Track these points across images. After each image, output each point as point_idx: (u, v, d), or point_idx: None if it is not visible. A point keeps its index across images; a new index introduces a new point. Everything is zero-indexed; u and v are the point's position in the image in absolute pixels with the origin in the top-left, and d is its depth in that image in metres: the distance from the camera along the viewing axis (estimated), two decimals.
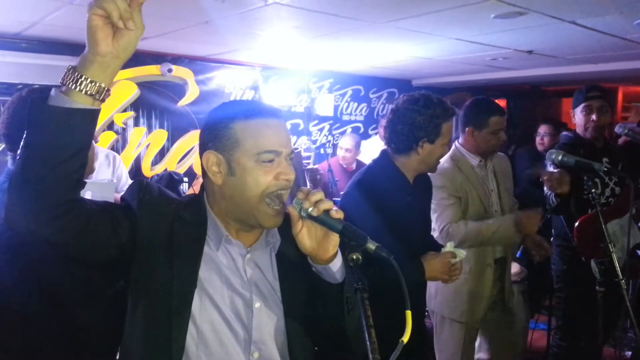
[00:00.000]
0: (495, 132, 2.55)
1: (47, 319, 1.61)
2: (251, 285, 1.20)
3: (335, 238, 1.12)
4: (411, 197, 2.12)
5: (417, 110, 2.05)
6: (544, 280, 3.51)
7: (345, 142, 5.00)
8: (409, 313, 0.95)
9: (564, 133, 3.28)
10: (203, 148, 1.21)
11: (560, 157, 2.26)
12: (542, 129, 4.99)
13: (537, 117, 5.99)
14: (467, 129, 2.61)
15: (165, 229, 1.16)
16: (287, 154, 1.19)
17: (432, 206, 2.43)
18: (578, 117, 2.94)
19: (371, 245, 1.04)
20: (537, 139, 5.02)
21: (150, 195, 1.19)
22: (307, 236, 1.13)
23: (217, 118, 1.21)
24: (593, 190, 2.12)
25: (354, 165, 4.98)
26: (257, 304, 1.19)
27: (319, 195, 1.10)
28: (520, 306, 3.01)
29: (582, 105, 2.90)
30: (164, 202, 1.20)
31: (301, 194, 1.11)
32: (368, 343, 0.95)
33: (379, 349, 0.95)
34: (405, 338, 0.92)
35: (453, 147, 2.67)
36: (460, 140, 2.68)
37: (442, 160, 2.49)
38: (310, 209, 1.09)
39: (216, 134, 1.18)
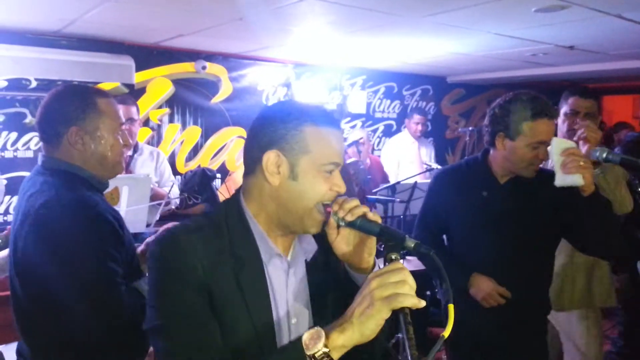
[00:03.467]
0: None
1: (90, 315, 1.58)
2: (289, 300, 1.18)
3: (370, 244, 1.13)
4: (490, 193, 2.09)
5: (500, 104, 2.04)
6: None
7: (357, 134, 4.84)
8: (451, 307, 0.94)
9: (629, 133, 3.21)
10: (264, 146, 1.14)
11: (605, 155, 2.16)
12: None
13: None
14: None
15: (230, 278, 1.13)
16: (340, 166, 1.20)
17: None
18: None
19: (410, 243, 1.04)
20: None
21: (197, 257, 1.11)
22: (343, 242, 1.14)
23: (284, 117, 1.15)
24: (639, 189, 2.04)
25: (368, 161, 4.88)
26: (293, 320, 1.18)
27: (353, 202, 1.12)
28: None
29: None
30: (213, 252, 1.12)
31: (336, 205, 1.12)
32: (406, 339, 0.93)
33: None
34: (446, 333, 0.91)
35: None
36: None
37: None
38: (346, 217, 1.10)
39: (284, 134, 1.13)
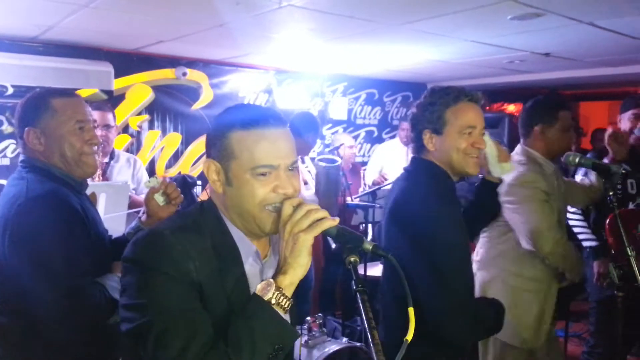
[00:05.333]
0: (565, 128, 2.47)
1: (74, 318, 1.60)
2: None
3: None
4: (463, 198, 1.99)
5: (416, 104, 1.88)
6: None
7: (347, 139, 5.13)
8: (411, 310, 0.97)
9: None
10: (206, 155, 1.22)
11: (577, 160, 2.23)
12: None
13: None
14: (535, 127, 2.49)
15: (215, 276, 1.15)
16: (287, 166, 1.17)
17: (511, 210, 2.32)
18: (624, 123, 2.96)
19: (368, 246, 1.07)
20: None
21: (190, 260, 1.12)
22: None
23: (217, 126, 1.20)
24: (610, 193, 2.08)
25: (350, 164, 5.11)
26: None
27: (309, 206, 1.12)
28: None
29: (632, 111, 2.95)
30: (199, 250, 1.14)
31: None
32: (372, 345, 0.95)
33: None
34: (409, 336, 0.94)
35: (523, 150, 2.50)
36: (525, 142, 2.54)
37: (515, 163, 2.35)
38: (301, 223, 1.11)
39: (215, 142, 1.18)
